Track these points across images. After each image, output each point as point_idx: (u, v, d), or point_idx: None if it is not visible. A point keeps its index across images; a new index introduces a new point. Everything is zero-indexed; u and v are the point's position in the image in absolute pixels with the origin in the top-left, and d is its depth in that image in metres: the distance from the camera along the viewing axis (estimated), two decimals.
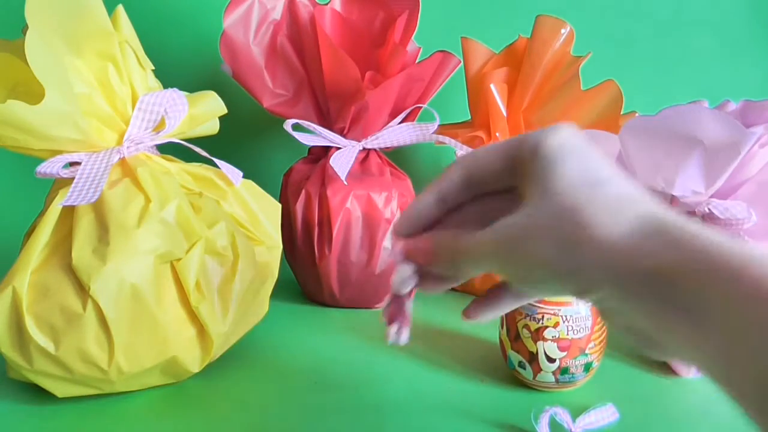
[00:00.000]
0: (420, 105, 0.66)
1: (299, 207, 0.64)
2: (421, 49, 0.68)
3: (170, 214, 0.45)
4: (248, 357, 0.54)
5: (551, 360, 0.47)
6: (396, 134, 0.65)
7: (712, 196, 0.50)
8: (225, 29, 0.61)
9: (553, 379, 0.48)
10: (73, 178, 0.45)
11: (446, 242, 0.31)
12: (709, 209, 0.49)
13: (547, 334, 0.46)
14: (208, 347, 0.48)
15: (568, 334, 0.46)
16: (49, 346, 0.42)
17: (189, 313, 0.46)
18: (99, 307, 0.42)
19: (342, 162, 0.61)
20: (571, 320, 0.46)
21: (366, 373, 0.52)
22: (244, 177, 0.52)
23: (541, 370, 0.47)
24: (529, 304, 0.47)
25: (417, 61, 0.67)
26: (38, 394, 0.45)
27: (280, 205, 0.55)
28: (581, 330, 0.46)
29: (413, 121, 0.67)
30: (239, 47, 0.62)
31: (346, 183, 0.61)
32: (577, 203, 0.26)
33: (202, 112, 0.51)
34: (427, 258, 0.32)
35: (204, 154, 0.52)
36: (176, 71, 0.83)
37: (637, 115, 0.68)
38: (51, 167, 0.44)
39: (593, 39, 0.74)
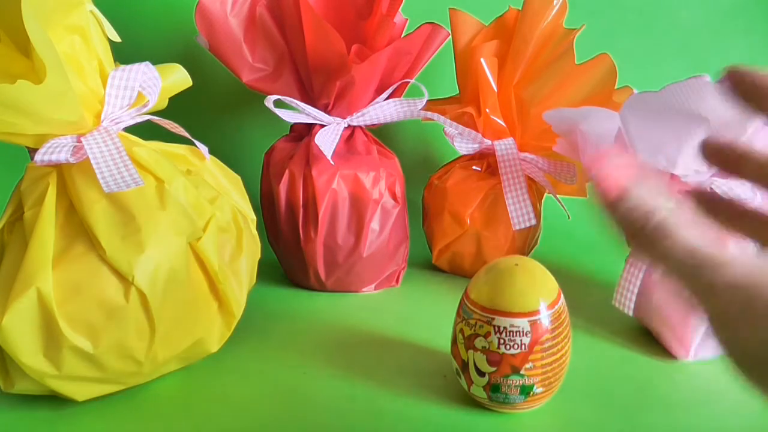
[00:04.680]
0: (407, 80, 0.63)
1: (282, 188, 0.61)
2: (408, 21, 0.64)
3: (180, 193, 0.44)
4: (231, 345, 0.51)
5: (481, 373, 0.42)
6: (383, 111, 0.62)
7: (713, 175, 0.48)
8: None
9: (486, 396, 0.42)
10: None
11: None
12: (711, 189, 0.47)
13: (477, 343, 0.41)
14: (230, 324, 0.47)
15: (499, 348, 0.41)
16: (87, 346, 0.40)
17: (211, 293, 0.45)
18: (144, 296, 0.40)
19: (327, 140, 0.58)
20: (504, 333, 0.40)
21: (356, 359, 0.50)
22: (223, 156, 0.50)
23: (473, 382, 0.42)
24: (468, 306, 0.42)
25: (404, 34, 0.63)
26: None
27: (239, 177, 0.53)
28: (516, 346, 0.40)
29: (400, 96, 0.64)
30: (216, 18, 0.58)
31: (332, 162, 0.58)
32: None
33: (168, 86, 0.48)
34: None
35: (182, 132, 0.49)
36: (148, 44, 0.78)
37: (631, 89, 0.66)
38: (56, 154, 0.40)
39: (579, 10, 0.72)
